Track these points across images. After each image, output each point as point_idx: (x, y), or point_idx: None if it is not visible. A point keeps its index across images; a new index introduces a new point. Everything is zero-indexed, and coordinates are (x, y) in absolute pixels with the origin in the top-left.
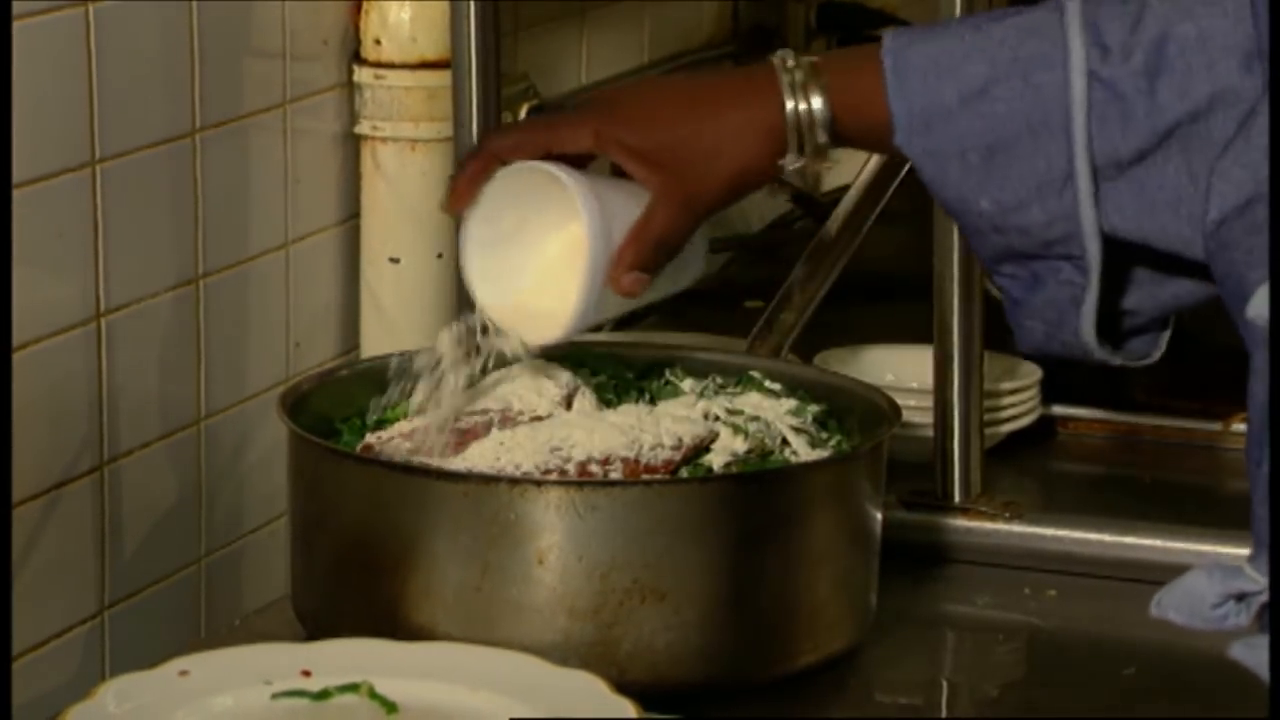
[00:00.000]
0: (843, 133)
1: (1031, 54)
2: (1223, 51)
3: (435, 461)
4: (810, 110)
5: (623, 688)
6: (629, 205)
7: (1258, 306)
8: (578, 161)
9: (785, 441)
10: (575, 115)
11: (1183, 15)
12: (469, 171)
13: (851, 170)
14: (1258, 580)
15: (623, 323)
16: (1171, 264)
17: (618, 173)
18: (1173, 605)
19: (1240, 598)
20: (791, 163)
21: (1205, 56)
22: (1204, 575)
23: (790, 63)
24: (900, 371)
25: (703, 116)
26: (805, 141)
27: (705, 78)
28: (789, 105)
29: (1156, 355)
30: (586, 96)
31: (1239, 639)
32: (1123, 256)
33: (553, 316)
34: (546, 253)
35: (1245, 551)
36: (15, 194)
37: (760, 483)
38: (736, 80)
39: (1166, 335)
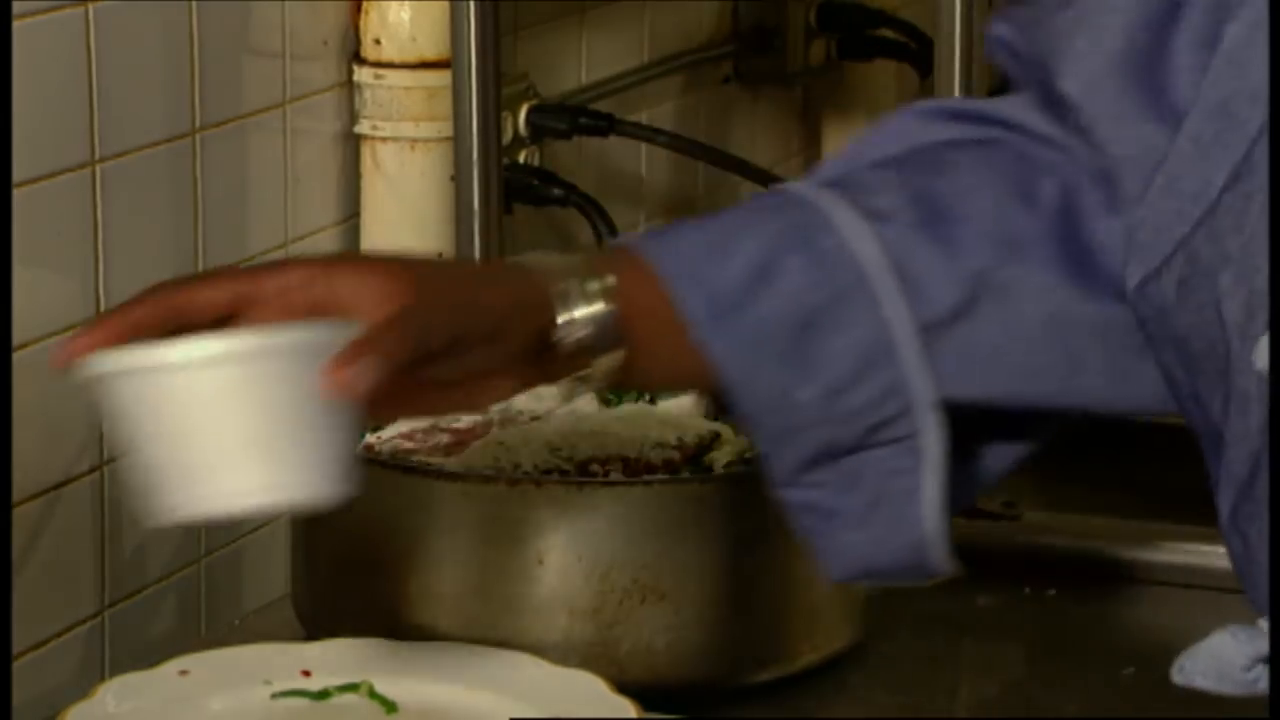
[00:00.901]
0: (639, 349)
1: (800, 223)
2: (994, 196)
3: (435, 461)
4: (588, 319)
5: (622, 687)
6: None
7: (1263, 357)
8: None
9: None
10: (283, 263)
11: (933, 177)
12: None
13: None
14: None
15: None
16: (1004, 424)
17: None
18: (1199, 671)
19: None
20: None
21: (978, 203)
22: (1229, 638)
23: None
24: None
25: (468, 275)
26: (578, 346)
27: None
28: (559, 311)
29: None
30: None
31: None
32: (954, 427)
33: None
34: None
35: None
36: (15, 193)
37: (761, 482)
38: (509, 272)
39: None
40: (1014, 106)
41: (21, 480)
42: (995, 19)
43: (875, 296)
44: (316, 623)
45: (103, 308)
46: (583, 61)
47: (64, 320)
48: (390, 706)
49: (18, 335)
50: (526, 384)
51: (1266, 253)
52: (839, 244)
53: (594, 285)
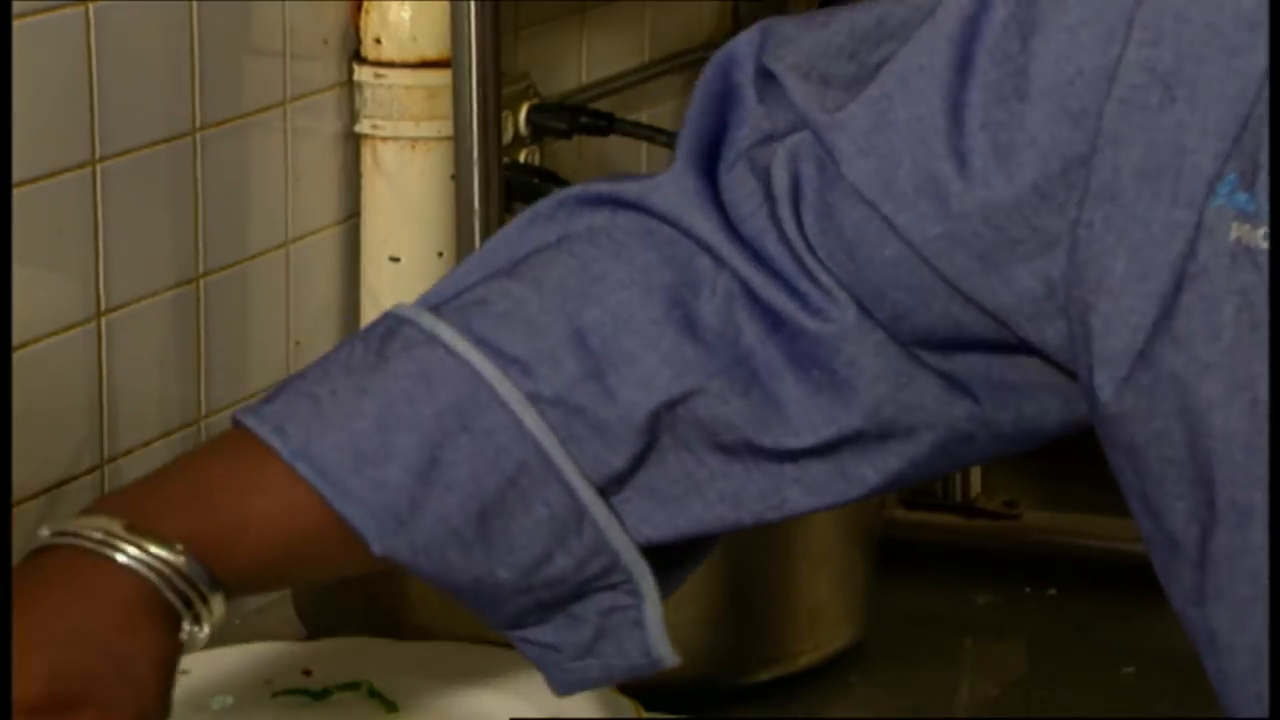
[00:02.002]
0: (242, 578)
1: (453, 402)
2: (653, 324)
3: None
4: (181, 570)
5: (623, 687)
6: None
7: None
8: None
9: None
10: None
11: (583, 303)
12: None
13: None
14: None
15: None
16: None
17: None
18: None
19: None
20: (190, 623)
21: (639, 338)
22: None
23: (116, 540)
24: None
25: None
26: (194, 601)
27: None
28: (154, 576)
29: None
30: None
31: None
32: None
33: None
34: None
35: None
36: (15, 193)
37: None
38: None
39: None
40: (678, 194)
41: (22, 479)
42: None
43: (551, 467)
44: (317, 622)
45: (103, 307)
46: (583, 61)
47: (64, 320)
48: (390, 706)
49: (18, 335)
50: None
51: (1265, 359)
52: (502, 423)
53: (186, 581)
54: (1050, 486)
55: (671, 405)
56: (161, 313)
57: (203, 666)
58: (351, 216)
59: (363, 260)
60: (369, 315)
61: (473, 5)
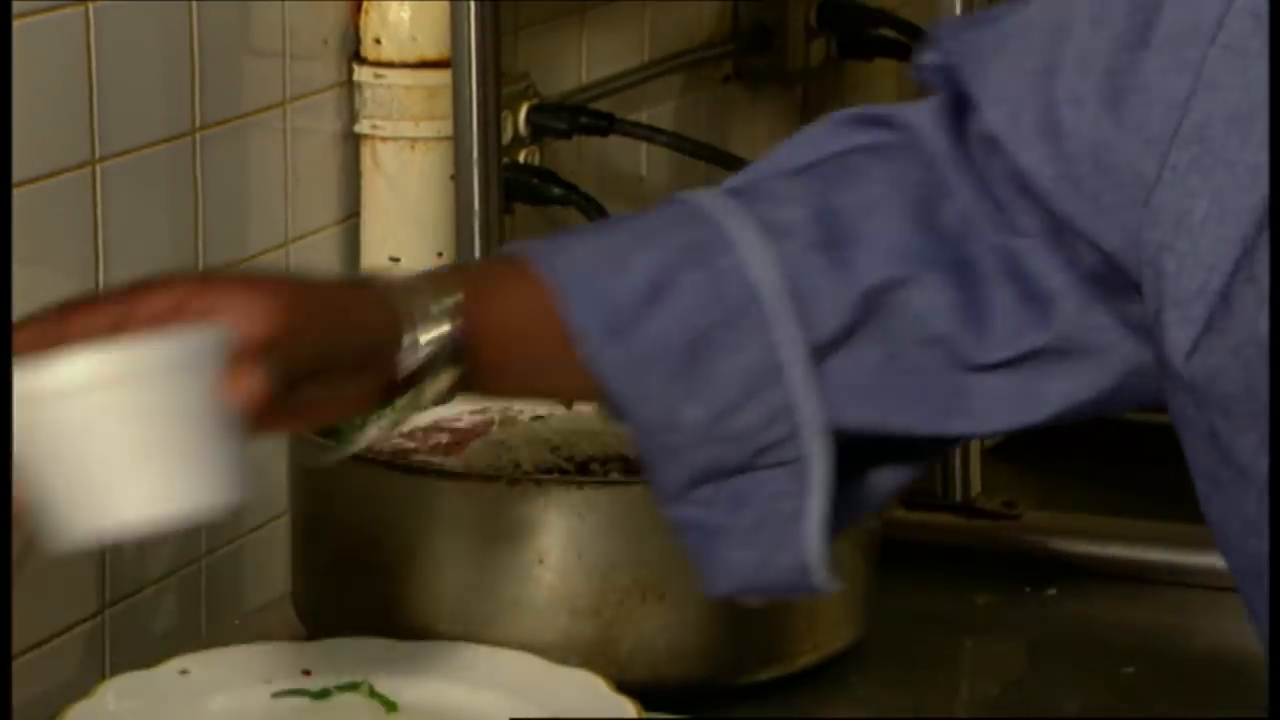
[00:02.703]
0: (483, 366)
1: (701, 240)
2: (895, 215)
3: (435, 460)
4: (443, 344)
5: (623, 687)
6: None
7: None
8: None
9: None
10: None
11: (848, 182)
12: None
13: None
14: None
15: None
16: (887, 448)
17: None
18: None
19: None
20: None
21: (880, 221)
22: None
23: (413, 292)
24: None
25: (331, 292)
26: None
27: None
28: (405, 338)
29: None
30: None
31: None
32: (839, 452)
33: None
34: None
35: None
36: (14, 193)
37: None
38: (363, 297)
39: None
40: (929, 120)
41: None
42: (929, 47)
43: (767, 319)
44: (317, 622)
45: None
46: (583, 61)
47: None
48: (390, 706)
49: None
50: (375, 404)
51: None
52: (735, 264)
53: (438, 307)
54: (1050, 486)
55: (890, 287)
56: None
57: (202, 666)
58: (351, 216)
59: (362, 260)
60: None
61: (472, 5)
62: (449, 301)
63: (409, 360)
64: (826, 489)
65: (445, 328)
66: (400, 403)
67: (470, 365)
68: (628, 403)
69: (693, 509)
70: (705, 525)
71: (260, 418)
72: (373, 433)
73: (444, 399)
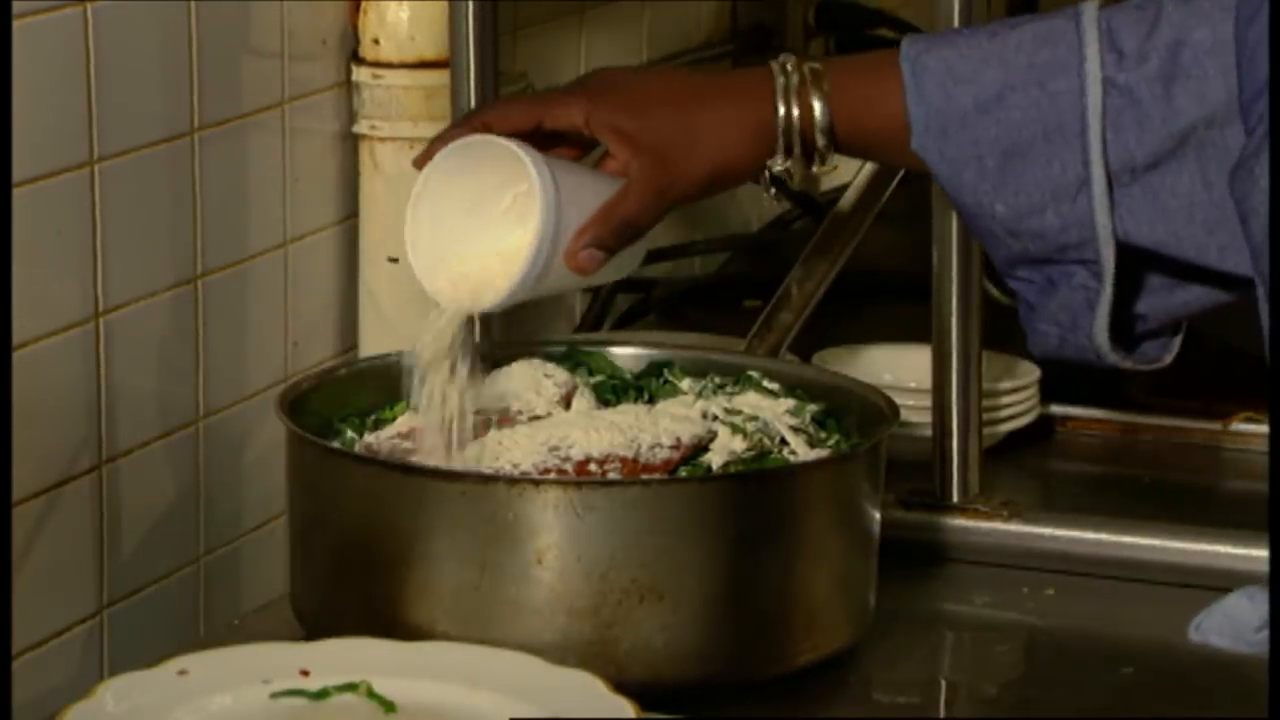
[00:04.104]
0: (843, 138)
1: (1047, 61)
2: (1227, 61)
3: (434, 461)
4: (807, 115)
5: (621, 687)
6: (591, 187)
7: None
8: (573, 141)
9: (784, 441)
10: (569, 93)
11: (1199, 21)
12: (448, 134)
13: (850, 170)
14: None
15: (620, 322)
16: (1184, 270)
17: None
18: (1214, 630)
19: None
20: (779, 164)
21: (1220, 62)
22: (1245, 599)
23: (789, 67)
24: (899, 371)
25: (692, 109)
26: (796, 145)
27: (703, 73)
28: (780, 110)
29: (1168, 359)
30: (583, 76)
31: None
32: (1137, 261)
33: (492, 284)
34: (497, 224)
35: (1243, 551)
36: (14, 193)
37: (759, 482)
38: (733, 79)
39: (1178, 340)
40: None
41: (21, 479)
42: None
43: (1086, 138)
44: (315, 622)
45: (101, 308)
46: (581, 61)
47: (63, 320)
48: (389, 706)
49: (16, 335)
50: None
51: None
52: (1071, 88)
53: (817, 99)
54: (1049, 486)
55: (1211, 124)
56: (160, 313)
57: (201, 666)
58: (350, 217)
59: (361, 260)
60: (367, 316)
61: (471, 5)
62: (825, 86)
63: (774, 171)
64: (1112, 290)
65: (820, 105)
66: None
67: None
68: (949, 190)
69: (1017, 283)
70: (1025, 299)
71: None
72: None
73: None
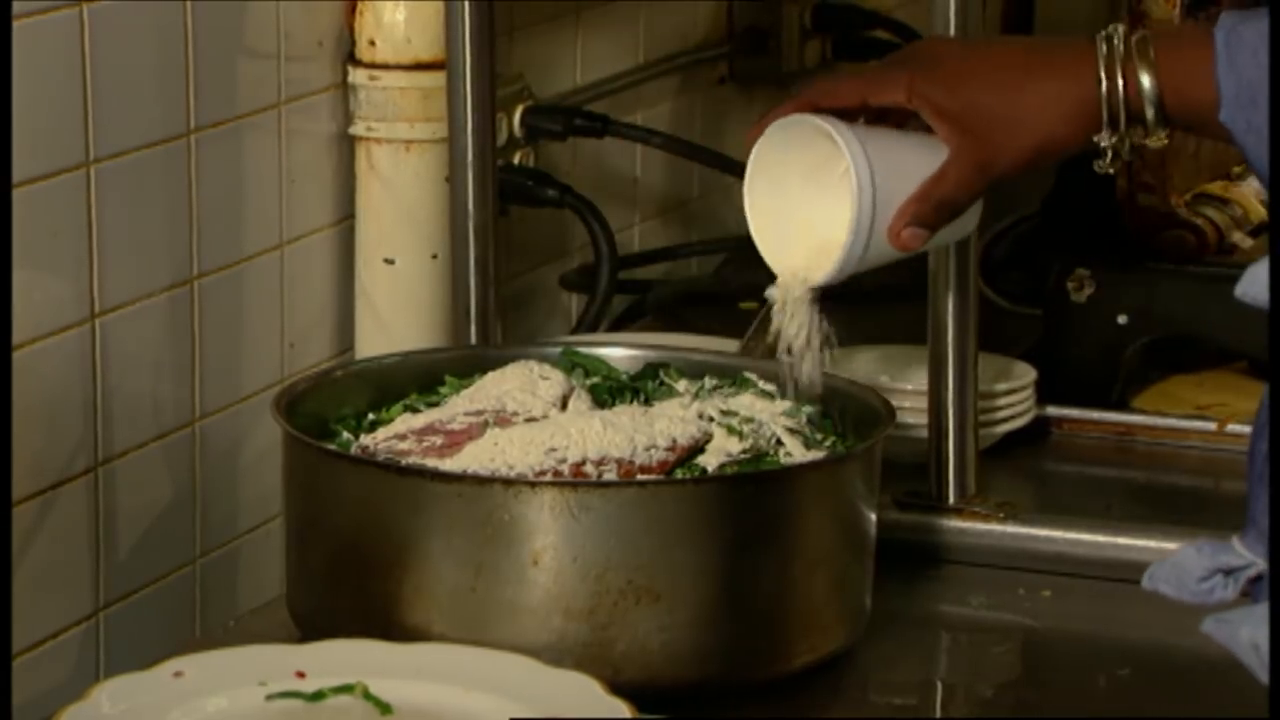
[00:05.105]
0: (1168, 110)
1: None
2: None
3: (430, 462)
4: (1135, 88)
5: (617, 688)
6: (913, 161)
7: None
8: (896, 115)
9: (779, 442)
10: (891, 68)
11: None
12: (778, 111)
13: None
14: (1244, 555)
15: (616, 324)
16: None
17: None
18: (1163, 578)
19: (1228, 572)
20: (1106, 139)
21: None
22: (1193, 550)
23: (1116, 40)
24: (895, 372)
25: (1014, 84)
26: (1122, 119)
27: (1025, 45)
28: (1105, 83)
29: None
30: (910, 47)
31: (1214, 613)
32: None
33: (818, 261)
34: (824, 199)
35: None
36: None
37: (754, 484)
38: (1055, 51)
39: None
40: None
41: (17, 481)
42: None
43: None
44: (311, 624)
45: (98, 309)
46: (578, 63)
47: (59, 321)
48: (384, 708)
49: (13, 336)
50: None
51: None
52: None
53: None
54: (1045, 487)
55: None
56: (156, 314)
57: (197, 667)
58: (346, 218)
59: (357, 262)
60: (364, 317)
61: (467, 6)
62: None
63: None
64: None
65: (1148, 77)
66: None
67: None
68: (1255, 163)
69: None
70: None
71: None
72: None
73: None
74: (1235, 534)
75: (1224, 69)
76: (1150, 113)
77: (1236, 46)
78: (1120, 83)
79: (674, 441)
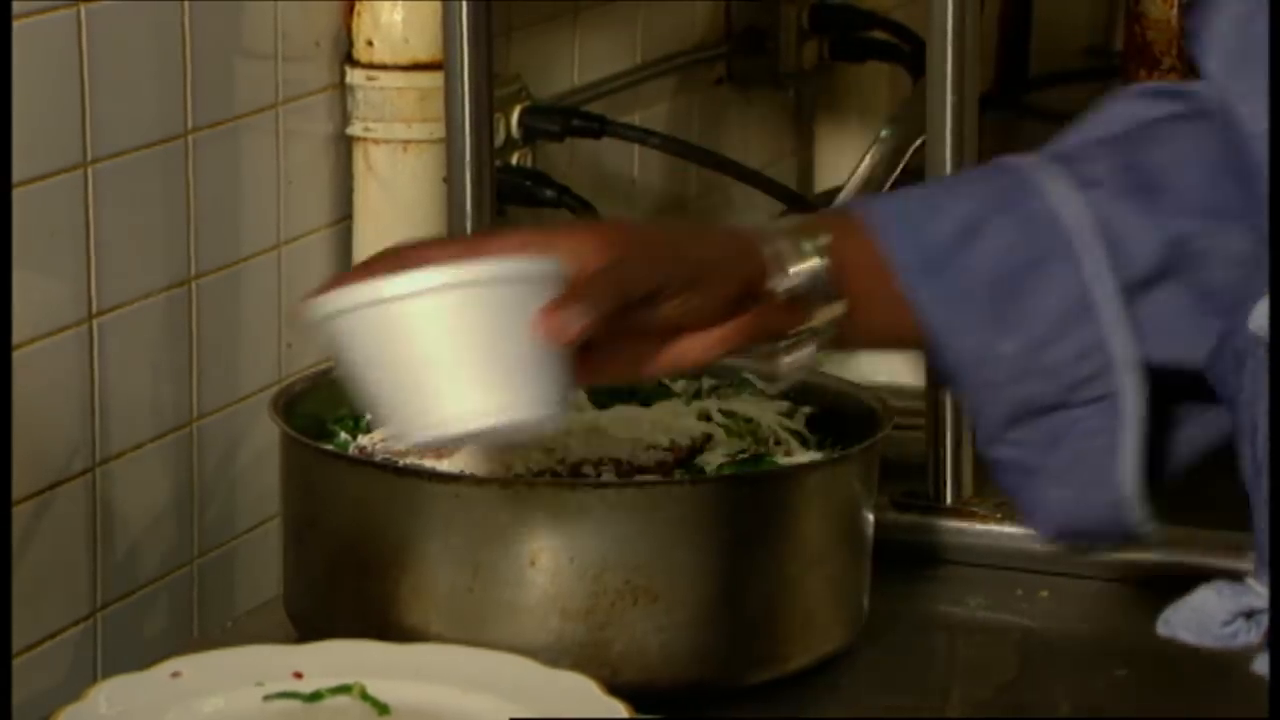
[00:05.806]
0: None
1: (1015, 186)
2: (1203, 169)
3: (427, 463)
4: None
5: (615, 689)
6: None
7: (1258, 319)
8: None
9: (778, 443)
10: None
11: (1149, 146)
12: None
13: (845, 170)
14: (1263, 595)
15: None
16: (1199, 396)
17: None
18: (1181, 624)
19: (1249, 615)
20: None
21: (1188, 174)
22: (1212, 593)
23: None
24: (893, 372)
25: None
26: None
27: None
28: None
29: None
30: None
31: (1260, 655)
32: (1157, 390)
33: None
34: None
35: (1239, 561)
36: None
37: (753, 484)
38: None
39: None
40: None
41: (15, 481)
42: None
43: (1078, 257)
44: (309, 624)
45: (95, 310)
46: (575, 63)
47: (56, 322)
48: (382, 708)
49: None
50: (742, 337)
51: None
52: (1046, 208)
53: (808, 244)
54: None
55: (1200, 235)
56: (154, 315)
57: (195, 668)
58: (344, 219)
59: (355, 263)
60: None
61: (465, 6)
62: (818, 241)
63: (780, 287)
64: (1140, 424)
65: (816, 261)
66: (785, 345)
67: (848, 302)
68: (946, 337)
69: (1010, 449)
70: (1023, 465)
71: (593, 364)
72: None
73: (830, 338)
74: (1249, 576)
75: (891, 242)
76: (821, 293)
77: (888, 220)
78: (790, 269)
79: (672, 442)
